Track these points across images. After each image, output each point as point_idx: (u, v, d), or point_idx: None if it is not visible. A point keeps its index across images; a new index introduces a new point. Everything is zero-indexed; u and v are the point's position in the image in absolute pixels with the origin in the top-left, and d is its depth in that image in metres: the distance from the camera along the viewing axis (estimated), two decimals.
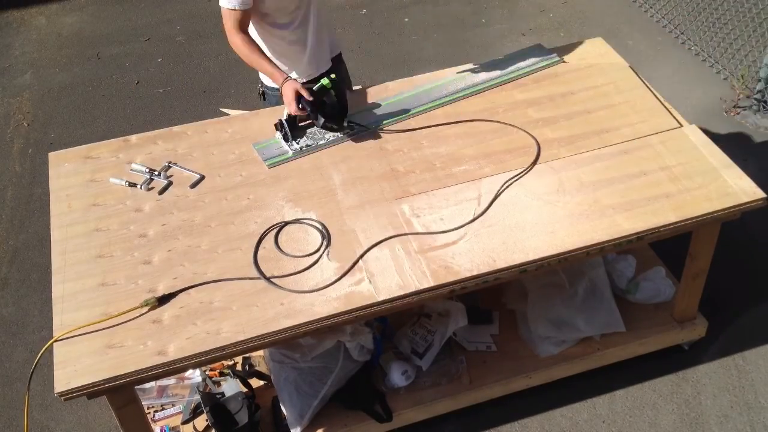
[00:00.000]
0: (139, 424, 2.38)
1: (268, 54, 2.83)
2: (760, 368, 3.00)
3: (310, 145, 2.77)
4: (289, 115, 2.76)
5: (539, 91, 3.00)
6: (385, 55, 4.80)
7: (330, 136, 2.80)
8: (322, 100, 2.71)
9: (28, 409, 2.38)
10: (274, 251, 2.42)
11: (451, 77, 3.07)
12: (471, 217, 2.49)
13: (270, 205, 2.58)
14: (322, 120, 2.71)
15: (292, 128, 2.78)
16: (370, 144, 2.79)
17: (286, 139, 2.77)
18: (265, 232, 2.47)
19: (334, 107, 2.73)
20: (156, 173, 2.68)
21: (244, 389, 2.79)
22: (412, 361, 2.82)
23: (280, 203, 2.58)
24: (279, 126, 2.78)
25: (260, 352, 2.84)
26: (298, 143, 2.77)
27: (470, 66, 3.11)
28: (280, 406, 2.71)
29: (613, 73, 3.08)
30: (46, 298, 3.30)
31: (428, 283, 2.31)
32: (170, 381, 2.84)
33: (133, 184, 2.65)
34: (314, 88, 2.68)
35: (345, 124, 2.77)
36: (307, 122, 2.82)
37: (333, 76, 2.72)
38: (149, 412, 2.79)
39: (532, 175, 2.64)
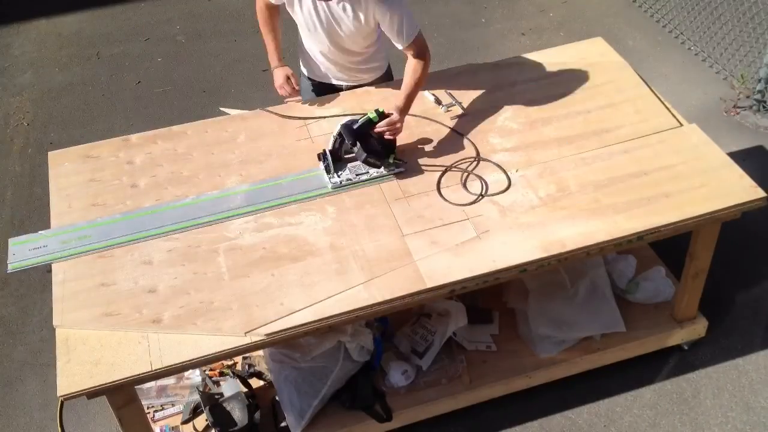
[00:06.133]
0: (139, 424, 2.38)
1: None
2: (760, 368, 3.00)
3: (351, 180, 2.62)
4: (333, 146, 2.66)
5: (539, 91, 3.00)
6: None
7: (374, 171, 2.65)
8: (367, 133, 2.62)
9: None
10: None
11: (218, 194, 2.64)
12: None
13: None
14: (364, 155, 2.60)
15: (336, 160, 2.65)
16: None
17: (328, 171, 2.63)
18: None
19: (380, 142, 2.63)
20: None
21: (244, 389, 2.79)
22: (412, 360, 2.82)
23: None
24: (322, 156, 2.65)
25: (260, 352, 2.84)
26: (339, 176, 2.63)
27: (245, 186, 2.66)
28: (280, 406, 2.71)
29: (613, 72, 3.08)
30: (46, 298, 3.29)
31: (428, 283, 2.31)
32: (170, 381, 2.84)
33: None
34: (360, 121, 2.63)
35: (391, 160, 2.64)
36: (351, 155, 2.69)
37: (381, 109, 2.65)
38: (149, 412, 2.79)
39: (533, 175, 2.64)
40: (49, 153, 2.83)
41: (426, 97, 2.98)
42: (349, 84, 3.02)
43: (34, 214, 3.81)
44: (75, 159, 2.80)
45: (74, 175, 2.73)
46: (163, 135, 2.89)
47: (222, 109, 4.24)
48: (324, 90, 3.05)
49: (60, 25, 5.28)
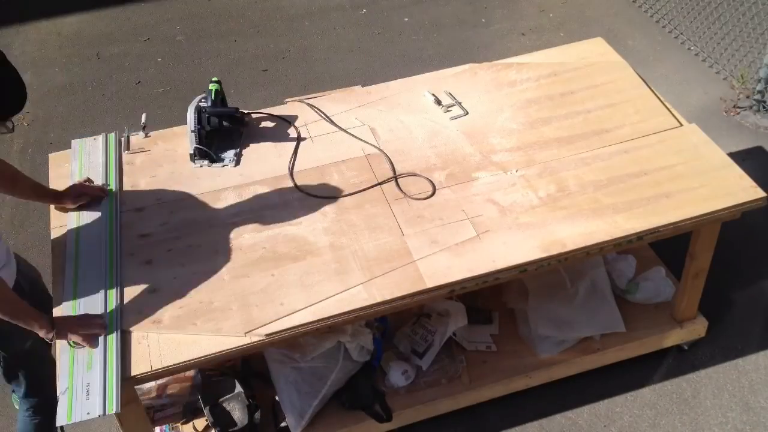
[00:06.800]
0: (139, 424, 2.38)
1: None
2: (760, 368, 3.00)
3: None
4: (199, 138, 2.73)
5: (539, 90, 3.00)
6: (385, 55, 4.79)
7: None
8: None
9: None
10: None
11: None
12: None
13: (270, 205, 2.58)
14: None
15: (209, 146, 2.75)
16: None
17: (212, 159, 2.73)
18: None
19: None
20: None
21: (244, 389, 2.79)
22: (412, 361, 2.82)
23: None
24: (197, 153, 2.73)
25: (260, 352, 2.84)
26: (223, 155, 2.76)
27: None
28: (280, 406, 2.71)
29: (613, 72, 3.08)
30: None
31: (428, 283, 2.31)
32: (170, 381, 2.84)
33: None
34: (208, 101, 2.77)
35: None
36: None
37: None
38: (149, 412, 2.79)
39: (533, 175, 2.64)
40: (49, 154, 2.83)
41: (426, 97, 2.98)
42: None
43: (34, 214, 3.80)
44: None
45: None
46: (163, 135, 2.90)
47: None
48: None
49: (60, 25, 5.27)
